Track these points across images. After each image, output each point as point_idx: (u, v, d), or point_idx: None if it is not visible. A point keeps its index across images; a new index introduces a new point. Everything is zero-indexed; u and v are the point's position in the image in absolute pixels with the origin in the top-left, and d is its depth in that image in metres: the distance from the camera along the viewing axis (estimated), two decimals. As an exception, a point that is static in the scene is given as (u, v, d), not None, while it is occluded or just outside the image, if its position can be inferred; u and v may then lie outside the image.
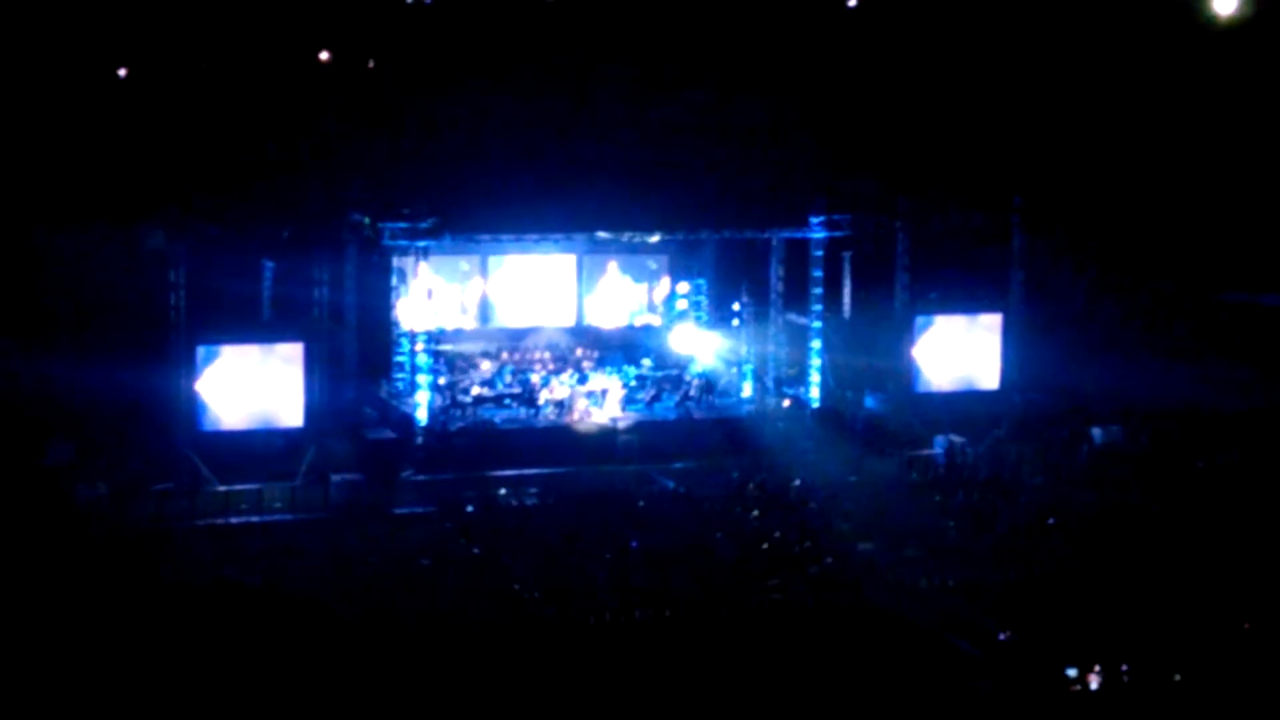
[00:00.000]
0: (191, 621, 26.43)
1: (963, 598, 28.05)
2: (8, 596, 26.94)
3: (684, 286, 45.41)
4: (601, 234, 42.05)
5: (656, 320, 46.01)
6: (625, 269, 45.50)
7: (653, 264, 45.90)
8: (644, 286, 45.87)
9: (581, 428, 40.03)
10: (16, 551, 30.37)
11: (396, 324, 40.48)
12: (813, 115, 45.79)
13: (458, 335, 43.71)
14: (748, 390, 43.50)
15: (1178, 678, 24.08)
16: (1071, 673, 24.00)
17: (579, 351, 44.40)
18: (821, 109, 45.91)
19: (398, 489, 36.53)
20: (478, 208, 40.37)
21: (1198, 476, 37.97)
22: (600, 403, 40.78)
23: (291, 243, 38.25)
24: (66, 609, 26.98)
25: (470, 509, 33.99)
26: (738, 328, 44.11)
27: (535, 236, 42.03)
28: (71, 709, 22.99)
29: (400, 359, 40.44)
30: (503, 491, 35.70)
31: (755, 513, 33.49)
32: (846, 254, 44.53)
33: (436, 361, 40.30)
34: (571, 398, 40.71)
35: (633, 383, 42.88)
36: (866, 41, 46.85)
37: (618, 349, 44.96)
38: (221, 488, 35.39)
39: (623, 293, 45.51)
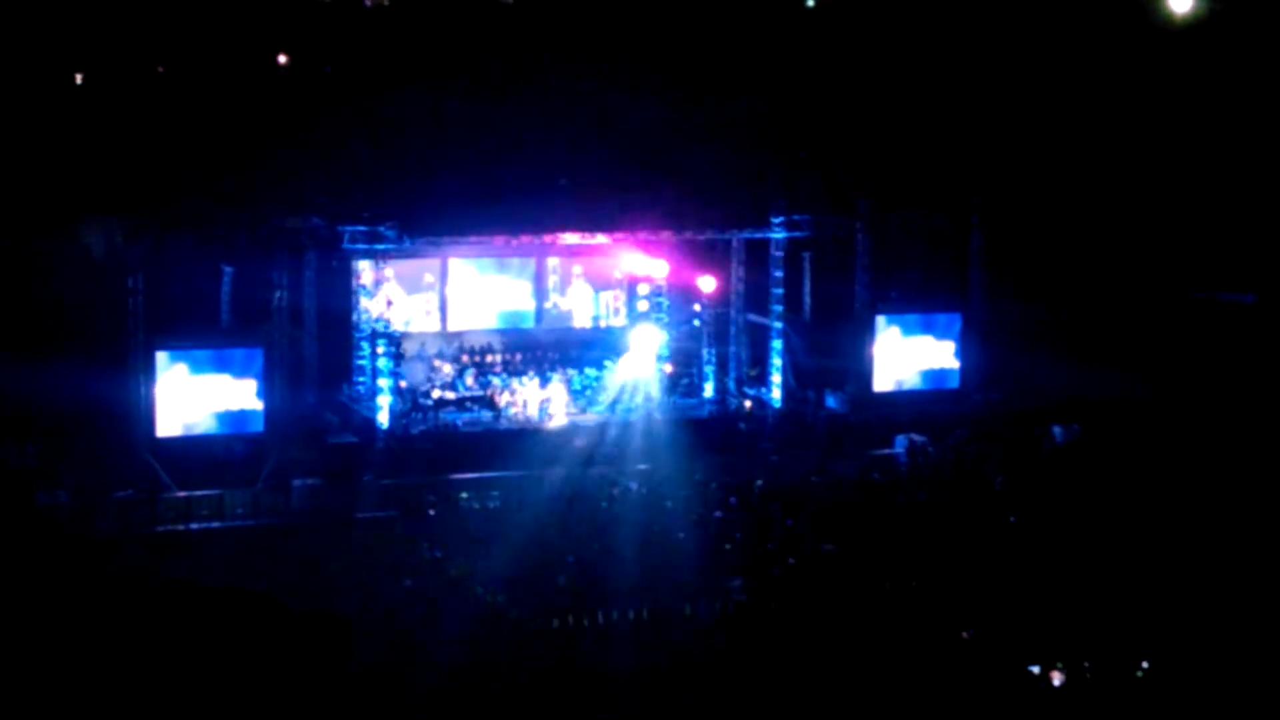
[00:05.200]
0: (151, 626, 26.28)
1: (925, 597, 28.09)
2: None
3: (644, 288, 45.31)
4: (563, 236, 41.91)
5: (619, 321, 45.87)
6: (586, 270, 45.36)
7: (613, 266, 45.78)
8: (602, 288, 45.70)
9: (544, 429, 40.05)
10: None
11: (357, 328, 40.39)
12: (772, 116, 45.82)
13: (419, 338, 43.50)
14: (709, 391, 43.56)
15: (1139, 674, 24.20)
16: (1035, 670, 24.08)
17: (541, 354, 44.32)
18: (781, 109, 45.95)
19: (360, 493, 36.42)
20: (438, 210, 40.25)
21: (1160, 475, 38.18)
22: (547, 413, 40.82)
23: (250, 247, 38.09)
24: (27, 616, 26.79)
25: (432, 513, 33.91)
26: (698, 329, 44.15)
27: (496, 239, 41.90)
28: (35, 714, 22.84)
29: (361, 363, 40.34)
30: (465, 495, 35.64)
31: (718, 514, 33.50)
32: (806, 254, 44.62)
33: (397, 365, 40.20)
34: (525, 406, 40.89)
35: (592, 384, 42.96)
36: (825, 42, 46.94)
37: (580, 350, 44.85)
38: (182, 494, 35.22)
39: (584, 294, 45.39)
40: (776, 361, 42.45)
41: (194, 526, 33.82)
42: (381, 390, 38.79)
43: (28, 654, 24.79)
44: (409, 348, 42.37)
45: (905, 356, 43.05)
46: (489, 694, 23.57)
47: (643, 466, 38.49)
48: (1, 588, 28.31)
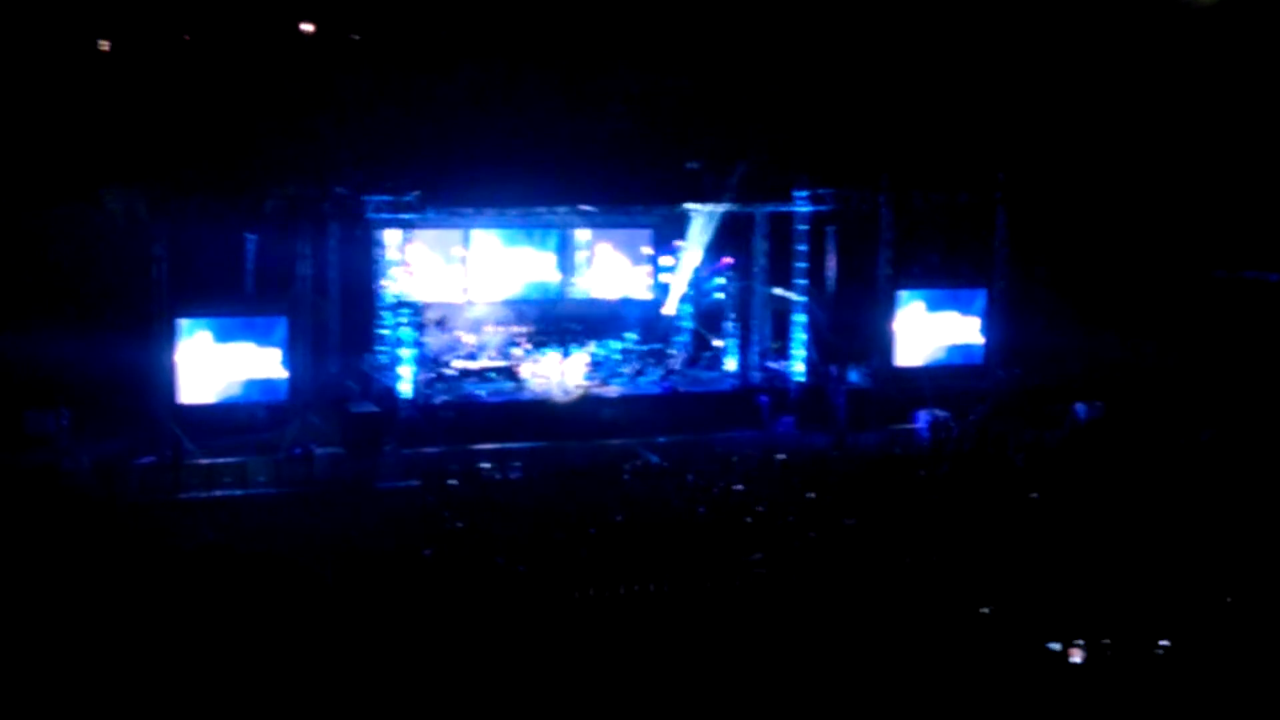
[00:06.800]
0: (181, 589, 26.42)
1: (945, 572, 28.07)
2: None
3: (668, 260, 45.31)
4: (585, 207, 41.92)
5: (643, 294, 45.87)
6: (610, 242, 45.37)
7: (639, 241, 45.74)
8: (628, 260, 45.71)
9: (565, 401, 40.08)
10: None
11: (380, 297, 40.47)
12: (798, 89, 45.69)
13: (443, 308, 43.54)
14: (732, 365, 43.55)
15: (1159, 651, 24.16)
16: (1055, 647, 24.05)
17: (564, 325, 44.36)
18: (805, 84, 45.81)
19: (381, 463, 36.51)
20: (462, 180, 40.27)
21: (1181, 452, 38.06)
22: (569, 384, 40.85)
23: (274, 215, 38.15)
24: (52, 583, 26.93)
25: (454, 483, 33.97)
26: (721, 301, 44.15)
27: (519, 210, 41.97)
28: (62, 680, 22.99)
29: (384, 332, 40.42)
30: (486, 465, 35.69)
31: (739, 487, 33.51)
32: (830, 228, 44.53)
33: (420, 334, 40.24)
34: (548, 377, 40.93)
35: (617, 356, 43.02)
36: (851, 16, 46.76)
37: (603, 322, 44.89)
38: (204, 461, 35.34)
39: (607, 266, 45.41)
40: (799, 335, 42.41)
41: (217, 494, 33.91)
42: (404, 360, 38.85)
43: (52, 617, 24.96)
44: (432, 317, 42.43)
45: (930, 332, 42.99)
46: (506, 665, 23.62)
47: (664, 439, 38.55)
48: (28, 552, 28.55)
